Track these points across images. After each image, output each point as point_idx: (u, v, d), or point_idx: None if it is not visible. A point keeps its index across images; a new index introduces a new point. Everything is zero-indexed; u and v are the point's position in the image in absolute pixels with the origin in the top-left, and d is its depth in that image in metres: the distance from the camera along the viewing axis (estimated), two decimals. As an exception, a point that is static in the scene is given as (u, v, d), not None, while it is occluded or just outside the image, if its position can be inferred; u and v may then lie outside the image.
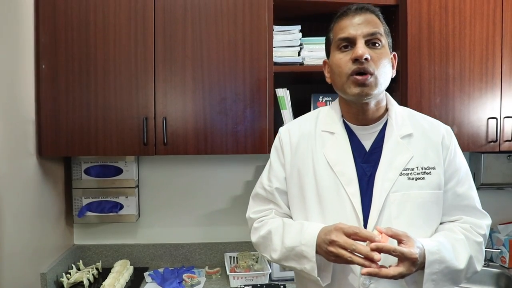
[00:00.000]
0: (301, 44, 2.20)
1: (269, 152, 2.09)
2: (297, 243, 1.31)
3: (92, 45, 2.05)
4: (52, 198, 2.23)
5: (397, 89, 2.27)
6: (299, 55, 2.19)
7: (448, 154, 1.39)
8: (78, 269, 2.33)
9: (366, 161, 1.37)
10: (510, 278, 2.34)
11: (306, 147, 1.44)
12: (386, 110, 1.43)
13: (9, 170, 1.82)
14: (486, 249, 2.40)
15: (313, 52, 2.19)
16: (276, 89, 2.18)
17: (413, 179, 1.34)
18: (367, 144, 1.39)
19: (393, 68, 1.39)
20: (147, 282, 2.28)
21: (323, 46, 2.15)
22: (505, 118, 2.24)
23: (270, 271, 2.26)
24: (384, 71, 1.32)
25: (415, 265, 1.19)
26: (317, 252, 1.27)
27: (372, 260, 1.15)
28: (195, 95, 2.10)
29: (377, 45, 1.31)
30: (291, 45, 2.19)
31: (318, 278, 1.28)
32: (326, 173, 1.37)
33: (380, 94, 1.36)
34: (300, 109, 2.26)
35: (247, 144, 2.12)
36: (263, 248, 1.46)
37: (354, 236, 1.19)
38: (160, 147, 2.09)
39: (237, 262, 2.42)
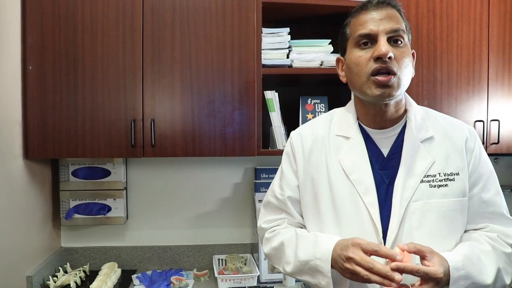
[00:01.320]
0: (289, 47, 2.20)
1: (258, 155, 2.12)
2: (312, 257, 1.24)
3: (79, 46, 2.04)
4: (39, 200, 2.21)
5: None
6: (287, 57, 2.20)
7: (473, 158, 1.29)
8: (65, 272, 2.31)
9: (384, 168, 1.28)
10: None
11: (319, 153, 1.35)
12: (405, 111, 1.33)
13: (-6, 172, 1.80)
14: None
15: (302, 54, 2.19)
16: (264, 91, 2.18)
17: (435, 186, 1.25)
18: (385, 149, 1.30)
19: (412, 67, 1.29)
20: (135, 285, 2.26)
21: (312, 49, 2.20)
22: (492, 121, 2.26)
23: (259, 273, 2.26)
24: (407, 71, 1.23)
25: (439, 284, 1.12)
26: (332, 266, 1.20)
27: (392, 280, 1.08)
28: (184, 97, 2.09)
29: (399, 42, 1.22)
30: (279, 48, 2.19)
31: None
32: (341, 181, 1.29)
33: (401, 95, 1.27)
34: (288, 111, 2.28)
35: (236, 146, 2.12)
36: (275, 260, 1.40)
37: (373, 253, 1.13)
38: (148, 149, 2.08)
39: (225, 265, 2.42)
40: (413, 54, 1.30)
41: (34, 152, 2.05)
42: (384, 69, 1.18)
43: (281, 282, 2.29)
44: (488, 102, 2.25)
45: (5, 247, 1.87)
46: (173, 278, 2.27)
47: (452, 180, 1.25)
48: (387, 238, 1.22)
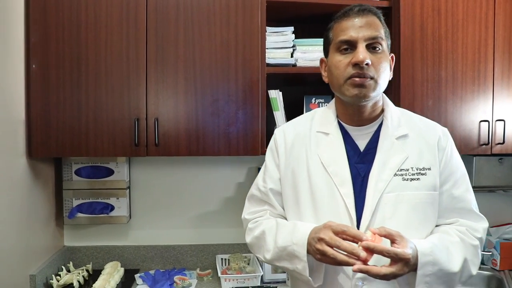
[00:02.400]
0: (294, 46, 2.20)
1: (262, 154, 2.11)
2: (289, 242, 1.31)
3: (83, 45, 2.03)
4: (42, 199, 2.21)
5: (389, 91, 2.27)
6: (292, 56, 2.19)
7: (444, 156, 1.37)
8: (68, 270, 2.31)
9: (361, 162, 1.36)
10: (501, 280, 2.35)
11: (300, 147, 1.43)
12: (382, 111, 1.42)
13: (-2, 171, 1.80)
14: (477, 252, 2.42)
15: (306, 53, 2.18)
16: (268, 91, 2.18)
17: (407, 179, 1.32)
18: (362, 144, 1.39)
19: (390, 70, 1.38)
20: (138, 284, 2.26)
21: (316, 48, 2.19)
22: (497, 121, 2.25)
23: (262, 273, 2.25)
24: (384, 75, 1.32)
25: (408, 265, 1.18)
26: (308, 252, 1.26)
27: (358, 257, 1.14)
28: (187, 96, 2.09)
29: (377, 49, 1.30)
30: (284, 47, 2.19)
31: (309, 278, 1.27)
32: (320, 173, 1.37)
33: (377, 96, 1.36)
34: (292, 110, 2.26)
35: (239, 146, 2.12)
36: (257, 248, 1.46)
37: (342, 234, 1.19)
38: (151, 148, 2.08)
39: (228, 264, 2.41)
40: (391, 57, 1.39)
41: (38, 150, 2.05)
42: (361, 74, 1.27)
43: (284, 282, 2.28)
44: (493, 102, 2.24)
45: (8, 246, 1.87)
46: (176, 278, 2.26)
47: (424, 174, 1.33)
48: (361, 227, 1.29)
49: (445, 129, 1.44)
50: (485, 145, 2.25)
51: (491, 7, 2.21)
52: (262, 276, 2.26)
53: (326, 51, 1.42)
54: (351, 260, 1.15)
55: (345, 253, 1.16)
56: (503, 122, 2.25)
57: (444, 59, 2.20)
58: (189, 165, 2.54)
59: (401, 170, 1.33)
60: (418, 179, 1.33)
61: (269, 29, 2.16)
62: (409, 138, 1.38)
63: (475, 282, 2.42)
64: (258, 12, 2.10)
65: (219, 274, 2.24)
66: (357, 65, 1.27)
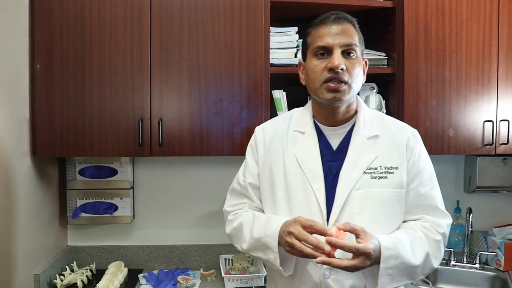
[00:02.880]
0: (297, 46, 2.19)
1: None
2: (263, 234, 1.40)
3: (87, 45, 2.04)
4: (46, 199, 2.22)
5: (393, 91, 2.27)
6: (295, 56, 2.19)
7: (412, 156, 1.46)
8: (72, 270, 2.31)
9: (333, 160, 1.46)
10: (506, 281, 2.34)
11: (278, 145, 1.53)
12: (356, 112, 1.51)
13: (2, 171, 1.80)
14: (481, 252, 2.44)
15: (310, 54, 2.18)
16: (272, 91, 2.18)
17: (376, 177, 1.42)
18: (335, 143, 1.48)
19: (364, 74, 1.47)
20: (141, 284, 2.26)
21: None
22: (501, 121, 2.24)
23: (265, 273, 2.25)
24: (357, 79, 1.41)
25: (369, 259, 1.26)
26: (280, 244, 1.35)
27: (323, 250, 1.23)
28: (191, 96, 2.09)
29: (351, 54, 1.40)
30: (287, 47, 2.19)
31: (280, 268, 1.37)
32: (294, 170, 1.46)
33: (351, 99, 1.45)
34: (296, 111, 2.26)
35: (243, 146, 2.09)
36: (235, 239, 1.55)
37: (309, 228, 1.28)
38: (155, 148, 2.08)
39: (232, 264, 2.41)
40: (365, 62, 1.49)
41: (42, 150, 2.05)
42: (336, 78, 1.37)
43: (288, 282, 2.28)
44: (497, 102, 2.23)
45: (12, 246, 1.87)
46: (179, 278, 2.26)
47: (391, 173, 1.42)
48: (330, 220, 1.39)
49: (415, 131, 1.53)
50: (489, 145, 2.24)
51: (495, 7, 2.20)
52: (265, 276, 2.26)
53: (304, 55, 1.51)
54: (316, 253, 1.24)
55: (312, 246, 1.26)
56: (507, 122, 2.24)
57: (448, 59, 2.20)
58: (193, 165, 2.54)
59: (370, 168, 1.42)
60: (386, 177, 1.42)
61: (273, 29, 2.16)
62: (379, 138, 1.46)
63: (479, 283, 2.42)
64: (262, 12, 2.10)
65: (223, 274, 2.25)
66: (332, 69, 1.36)
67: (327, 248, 1.23)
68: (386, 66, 2.30)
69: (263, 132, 1.59)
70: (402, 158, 1.45)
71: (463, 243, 2.54)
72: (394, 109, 2.27)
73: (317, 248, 1.24)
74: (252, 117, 2.11)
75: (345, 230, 1.27)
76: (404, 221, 1.46)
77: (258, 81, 2.11)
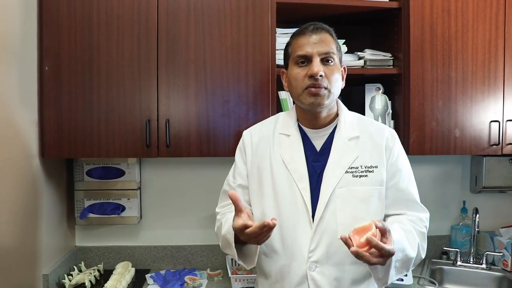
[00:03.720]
0: (303, 47, 2.20)
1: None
2: (225, 231, 1.52)
3: (95, 47, 2.05)
4: (54, 200, 2.23)
5: (399, 92, 2.27)
6: (301, 57, 2.19)
7: (390, 155, 1.56)
8: (80, 270, 2.32)
9: (317, 160, 1.55)
10: (512, 281, 2.34)
11: (265, 147, 1.62)
12: (337, 115, 1.61)
13: (11, 172, 1.82)
14: (488, 253, 2.44)
15: (316, 54, 2.19)
16: (278, 92, 2.19)
17: (357, 176, 1.52)
18: (318, 145, 1.58)
19: (342, 80, 1.56)
20: (148, 284, 2.27)
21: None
22: (508, 121, 2.24)
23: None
24: (336, 85, 1.51)
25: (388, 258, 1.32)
26: (240, 238, 1.40)
27: (268, 224, 1.27)
28: (198, 97, 2.10)
29: (330, 62, 1.49)
30: (294, 48, 2.19)
31: (240, 261, 1.49)
32: (281, 170, 1.55)
33: (331, 103, 1.55)
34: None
35: (250, 147, 2.12)
36: (216, 238, 1.66)
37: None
38: (162, 149, 2.09)
39: (238, 265, 2.42)
40: (344, 68, 1.58)
41: (50, 152, 2.06)
42: (316, 85, 1.46)
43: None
44: (504, 102, 2.23)
45: (21, 246, 1.89)
46: (186, 278, 2.27)
47: (371, 172, 1.52)
48: (315, 217, 1.49)
49: (393, 131, 1.63)
50: (496, 145, 2.24)
51: (501, 6, 2.20)
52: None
53: (286, 64, 1.61)
54: (264, 231, 1.30)
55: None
56: (514, 122, 2.24)
57: (454, 60, 2.20)
58: (200, 165, 2.55)
59: (351, 168, 1.52)
60: (366, 175, 1.52)
61: (279, 30, 2.17)
62: (360, 139, 1.56)
63: (485, 283, 2.41)
64: (268, 14, 2.11)
65: (230, 274, 2.25)
66: (312, 76, 1.45)
67: (271, 222, 1.27)
68: (392, 67, 2.30)
69: (250, 135, 1.67)
70: (381, 157, 1.54)
71: (470, 243, 2.54)
72: (400, 109, 2.28)
73: (262, 227, 1.29)
74: (259, 118, 2.10)
75: (380, 230, 1.28)
76: (386, 216, 1.57)
77: (264, 82, 2.12)
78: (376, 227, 1.28)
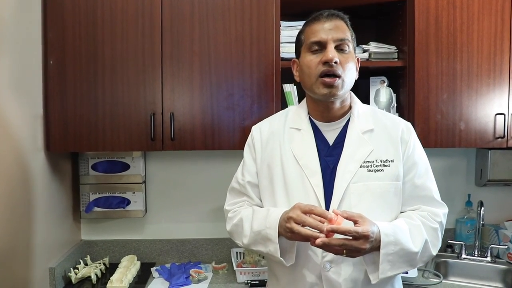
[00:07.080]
0: (308, 40, 2.19)
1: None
2: (263, 226, 1.43)
3: (99, 41, 2.06)
4: (60, 194, 2.24)
5: (404, 84, 2.27)
6: (306, 50, 2.18)
7: (406, 149, 1.49)
8: (86, 264, 2.34)
9: (330, 155, 1.49)
10: (517, 274, 2.34)
11: (275, 142, 1.56)
12: (350, 108, 1.55)
13: (17, 166, 1.83)
14: (493, 246, 2.43)
15: (320, 47, 2.18)
16: (283, 85, 2.18)
17: (372, 171, 1.45)
18: (331, 139, 1.52)
19: (356, 71, 1.50)
20: (154, 277, 2.28)
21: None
22: (513, 114, 2.23)
23: (277, 266, 2.26)
24: (350, 74, 1.45)
25: (369, 241, 1.28)
26: (280, 234, 1.37)
27: (321, 230, 1.25)
28: (203, 91, 2.10)
29: (344, 49, 1.44)
30: (298, 41, 2.19)
31: (281, 259, 1.39)
32: (292, 166, 1.49)
33: (345, 94, 1.49)
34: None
35: (254, 140, 2.12)
36: (236, 235, 1.58)
37: (310, 212, 1.31)
38: (167, 142, 2.10)
39: (243, 258, 2.42)
40: (357, 59, 1.52)
41: (56, 145, 2.08)
42: (331, 72, 1.40)
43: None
44: (509, 94, 2.22)
45: (28, 240, 1.90)
46: (192, 271, 2.28)
47: (387, 166, 1.46)
48: None
49: (409, 124, 1.56)
50: (501, 138, 2.23)
51: (507, -1, 2.19)
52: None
53: (298, 53, 1.55)
54: (315, 234, 1.26)
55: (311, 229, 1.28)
56: (519, 115, 2.23)
57: (459, 52, 2.19)
58: (204, 159, 2.56)
59: (366, 162, 1.45)
60: (382, 170, 1.45)
61: (283, 23, 2.17)
62: (374, 132, 1.50)
63: (490, 276, 2.41)
64: (272, 7, 2.11)
65: (235, 268, 2.26)
66: (327, 63, 1.40)
67: (326, 226, 1.26)
68: (396, 60, 2.29)
69: (259, 131, 1.62)
70: (397, 151, 1.48)
71: (474, 236, 2.53)
72: (405, 102, 2.27)
73: (316, 228, 1.27)
74: (263, 111, 2.11)
75: (342, 217, 1.29)
76: (401, 212, 1.50)
77: (269, 75, 2.12)
78: (336, 215, 1.28)
